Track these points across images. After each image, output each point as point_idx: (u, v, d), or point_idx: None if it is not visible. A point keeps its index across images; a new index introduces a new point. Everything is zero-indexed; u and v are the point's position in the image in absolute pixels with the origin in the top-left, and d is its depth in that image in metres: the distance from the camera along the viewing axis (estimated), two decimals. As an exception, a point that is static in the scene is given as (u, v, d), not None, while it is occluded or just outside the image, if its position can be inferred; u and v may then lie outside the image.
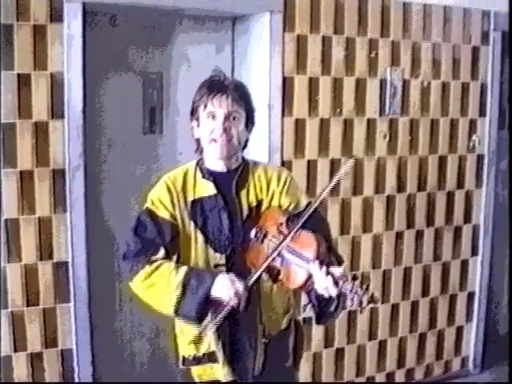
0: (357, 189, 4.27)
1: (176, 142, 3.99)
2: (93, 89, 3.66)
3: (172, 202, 2.61)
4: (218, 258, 2.61)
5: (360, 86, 4.20)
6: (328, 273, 2.32)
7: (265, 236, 2.58)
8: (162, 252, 2.57)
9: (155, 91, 3.95)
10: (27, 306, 3.46)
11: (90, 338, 3.62)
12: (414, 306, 4.64)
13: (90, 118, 3.60)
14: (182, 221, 2.62)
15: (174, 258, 2.63)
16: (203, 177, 2.66)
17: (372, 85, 4.24)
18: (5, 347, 3.44)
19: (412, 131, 4.42)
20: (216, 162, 2.66)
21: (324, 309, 2.56)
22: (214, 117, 2.58)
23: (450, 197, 4.65)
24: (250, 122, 2.70)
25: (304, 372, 4.22)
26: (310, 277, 2.38)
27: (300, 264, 2.41)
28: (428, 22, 4.39)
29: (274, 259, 2.49)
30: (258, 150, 3.87)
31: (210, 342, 2.63)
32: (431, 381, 4.80)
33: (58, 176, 3.46)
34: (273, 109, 3.92)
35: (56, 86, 3.41)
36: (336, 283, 2.29)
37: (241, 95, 2.65)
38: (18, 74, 3.33)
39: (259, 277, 2.51)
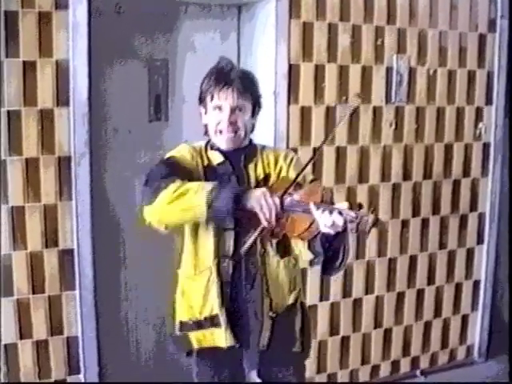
0: (363, 177, 4.25)
1: (181, 130, 3.98)
2: (98, 76, 3.65)
3: (192, 158, 2.70)
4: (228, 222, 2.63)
5: (366, 73, 4.18)
6: (331, 210, 2.34)
7: None
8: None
9: (160, 78, 3.94)
10: (33, 293, 3.47)
11: (96, 325, 3.63)
12: (420, 294, 4.63)
13: (96, 105, 3.59)
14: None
15: None
16: (212, 148, 2.75)
17: (378, 72, 4.22)
18: (10, 335, 3.45)
19: (418, 119, 4.41)
20: (222, 144, 2.73)
21: (330, 259, 2.59)
22: (220, 109, 2.65)
23: (456, 185, 4.64)
24: (256, 107, 2.77)
25: (309, 360, 4.22)
26: (313, 221, 2.42)
27: (305, 210, 2.43)
28: (434, 9, 4.36)
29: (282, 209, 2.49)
30: (263, 137, 3.86)
31: (214, 305, 2.66)
32: (436, 369, 4.80)
33: (64, 163, 3.46)
34: (278, 96, 3.90)
35: (61, 73, 3.40)
36: (340, 213, 2.32)
37: (246, 87, 2.70)
38: (24, 62, 3.32)
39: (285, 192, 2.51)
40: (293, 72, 3.95)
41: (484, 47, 4.59)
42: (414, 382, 4.69)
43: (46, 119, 3.39)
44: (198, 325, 2.71)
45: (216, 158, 2.73)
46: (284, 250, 2.71)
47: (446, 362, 4.86)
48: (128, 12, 3.79)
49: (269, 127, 3.90)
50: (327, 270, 2.65)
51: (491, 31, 4.59)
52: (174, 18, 3.95)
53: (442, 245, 4.65)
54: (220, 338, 2.70)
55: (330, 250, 2.54)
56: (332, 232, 2.37)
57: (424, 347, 4.73)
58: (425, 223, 4.56)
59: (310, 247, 2.59)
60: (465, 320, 4.89)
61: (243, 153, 2.74)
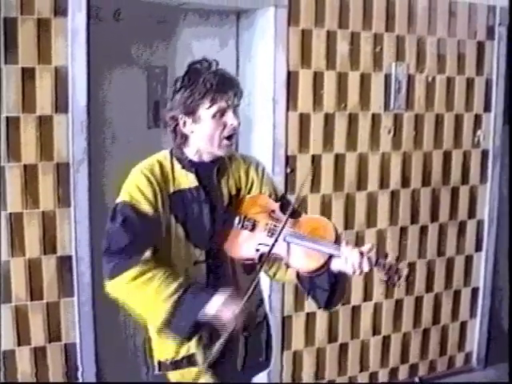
0: (361, 184, 4.26)
1: (180, 137, 3.97)
2: (97, 83, 3.65)
3: (154, 194, 2.44)
4: (198, 255, 2.49)
5: (365, 80, 4.19)
6: (361, 252, 2.31)
7: (254, 224, 2.50)
8: (149, 252, 2.40)
9: (159, 85, 3.94)
10: (31, 300, 3.46)
11: (94, 332, 3.62)
12: (418, 302, 4.63)
13: (94, 112, 3.59)
14: (164, 214, 2.47)
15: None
16: (183, 167, 2.51)
17: (377, 80, 4.22)
18: (8, 341, 3.44)
19: (417, 126, 4.41)
20: (203, 154, 2.51)
21: (333, 294, 2.49)
22: (222, 114, 2.44)
23: (455, 192, 4.64)
24: None
25: (307, 367, 4.23)
26: (327, 259, 2.36)
27: (316, 247, 2.37)
28: (433, 17, 4.37)
29: (274, 247, 2.42)
30: (262, 144, 3.86)
31: (190, 345, 2.49)
32: (435, 376, 4.79)
33: (62, 170, 3.46)
34: (277, 103, 3.90)
35: (60, 79, 3.40)
36: (369, 259, 2.31)
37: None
38: (22, 68, 3.32)
39: (255, 287, 2.43)
40: (291, 79, 3.95)
41: (483, 54, 4.60)
42: (413, 389, 4.70)
43: (44, 126, 3.39)
44: (176, 365, 2.56)
45: (188, 182, 2.50)
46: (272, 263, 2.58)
47: (445, 369, 4.86)
48: (127, 19, 3.80)
49: (267, 134, 3.90)
50: (331, 302, 2.54)
51: (490, 38, 4.61)
52: (173, 25, 3.95)
53: (440, 252, 4.65)
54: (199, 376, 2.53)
55: (335, 283, 2.45)
56: (351, 272, 2.34)
57: (422, 354, 4.73)
58: (423, 230, 4.56)
59: (298, 279, 2.53)
60: (463, 327, 4.89)
61: (216, 165, 2.53)
